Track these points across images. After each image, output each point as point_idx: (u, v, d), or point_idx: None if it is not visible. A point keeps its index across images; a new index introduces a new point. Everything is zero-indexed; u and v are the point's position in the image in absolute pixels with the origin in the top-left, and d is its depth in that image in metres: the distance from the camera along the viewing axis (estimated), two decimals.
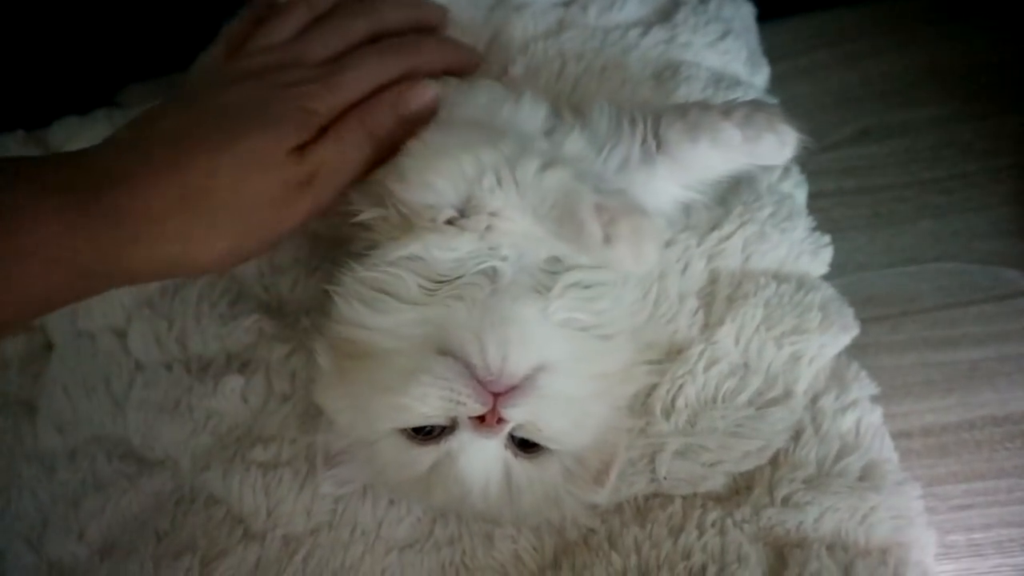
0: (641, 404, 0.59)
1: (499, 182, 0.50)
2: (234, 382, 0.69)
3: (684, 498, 0.58)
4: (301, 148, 0.54)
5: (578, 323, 0.53)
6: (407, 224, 0.54)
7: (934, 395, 0.69)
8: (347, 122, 0.57)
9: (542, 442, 0.52)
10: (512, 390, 0.48)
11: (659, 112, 0.59)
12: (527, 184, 0.49)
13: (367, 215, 0.56)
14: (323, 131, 0.56)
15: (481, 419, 0.48)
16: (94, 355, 0.76)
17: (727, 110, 0.56)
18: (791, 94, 0.82)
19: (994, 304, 0.72)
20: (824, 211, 0.74)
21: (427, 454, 0.50)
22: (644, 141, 0.58)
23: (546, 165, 0.50)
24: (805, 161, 0.74)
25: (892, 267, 0.76)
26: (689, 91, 0.70)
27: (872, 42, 0.89)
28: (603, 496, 0.56)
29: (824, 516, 0.54)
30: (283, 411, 0.68)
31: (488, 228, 0.51)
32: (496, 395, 0.47)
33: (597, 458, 0.55)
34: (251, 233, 0.53)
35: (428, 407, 0.48)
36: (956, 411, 0.68)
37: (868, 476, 0.56)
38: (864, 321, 0.64)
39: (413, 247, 0.53)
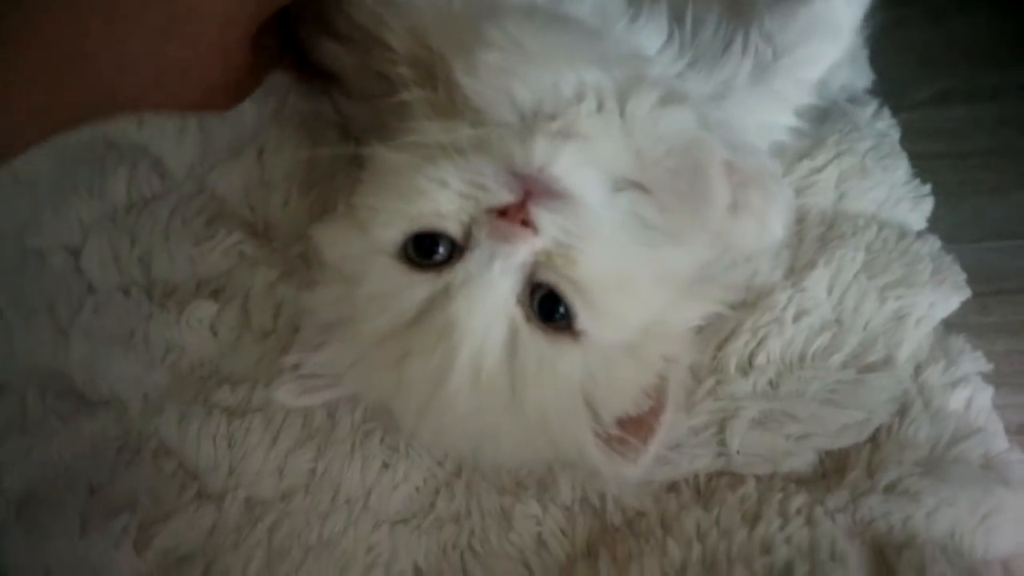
0: (712, 358, 0.48)
1: (600, 109, 0.41)
2: (203, 309, 0.57)
3: (759, 479, 0.46)
4: None
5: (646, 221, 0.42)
6: (453, 109, 0.44)
7: None
8: None
9: (572, 299, 0.40)
10: (551, 193, 0.39)
11: (756, 14, 0.48)
12: (639, 120, 0.40)
13: (411, 95, 0.46)
14: None
15: (504, 214, 0.38)
16: (40, 275, 0.64)
17: None
18: (868, 49, 0.73)
19: None
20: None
21: (423, 284, 0.41)
22: (756, 53, 0.48)
23: (666, 100, 0.41)
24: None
25: (981, 241, 0.67)
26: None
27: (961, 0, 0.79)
28: (638, 468, 0.42)
29: (939, 511, 0.43)
30: (260, 349, 0.56)
31: (557, 136, 0.40)
32: (528, 193, 0.39)
33: (635, 382, 0.43)
34: None
35: (444, 197, 0.40)
36: None
37: (992, 465, 0.45)
38: None
39: (453, 137, 0.42)
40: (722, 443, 0.46)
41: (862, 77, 0.62)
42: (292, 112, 0.66)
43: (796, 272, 0.50)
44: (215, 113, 0.63)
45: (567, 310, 0.40)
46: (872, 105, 0.60)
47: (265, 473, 0.51)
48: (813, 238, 0.50)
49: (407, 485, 0.50)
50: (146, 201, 0.64)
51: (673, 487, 0.47)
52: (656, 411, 0.43)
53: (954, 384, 0.48)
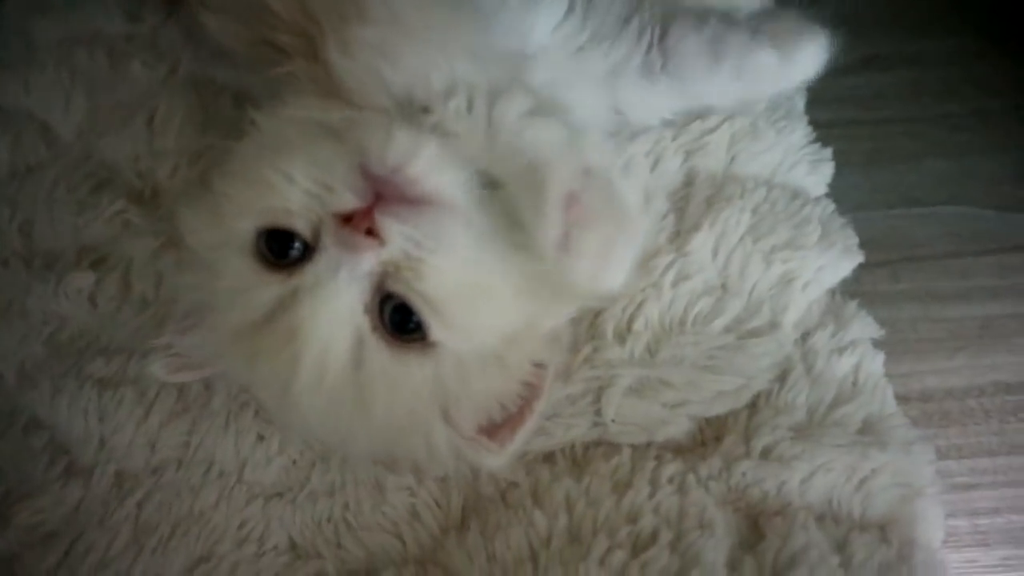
0: (590, 325, 0.46)
1: (469, 109, 0.39)
2: (82, 280, 0.55)
3: (635, 448, 0.45)
4: None
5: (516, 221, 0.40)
6: (327, 85, 0.42)
7: (938, 355, 0.59)
8: None
9: (422, 311, 0.38)
10: (402, 199, 0.36)
11: (668, 16, 0.47)
12: (504, 127, 0.39)
13: (291, 67, 0.45)
14: None
15: (350, 220, 0.36)
16: None
17: (754, 27, 0.47)
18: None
19: (1011, 255, 0.63)
20: (819, 142, 0.64)
21: (272, 287, 0.39)
22: (648, 51, 0.47)
23: (537, 111, 0.39)
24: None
25: (894, 208, 0.67)
26: None
27: None
28: (499, 460, 0.42)
29: (814, 476, 0.42)
30: (139, 320, 0.54)
31: (423, 131, 0.39)
32: (379, 197, 0.36)
33: (496, 391, 0.41)
34: None
35: (291, 193, 0.38)
36: (963, 374, 0.58)
37: (871, 430, 0.44)
38: (859, 266, 0.54)
39: (324, 115, 0.41)
40: (598, 412, 0.45)
41: None
42: (185, 77, 0.64)
43: (681, 235, 0.48)
44: None
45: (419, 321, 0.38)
46: None
47: (136, 446, 0.49)
48: (700, 201, 0.49)
49: (282, 458, 0.49)
50: (30, 168, 0.62)
51: (549, 457, 0.46)
52: (521, 413, 0.41)
53: (841, 350, 0.47)
